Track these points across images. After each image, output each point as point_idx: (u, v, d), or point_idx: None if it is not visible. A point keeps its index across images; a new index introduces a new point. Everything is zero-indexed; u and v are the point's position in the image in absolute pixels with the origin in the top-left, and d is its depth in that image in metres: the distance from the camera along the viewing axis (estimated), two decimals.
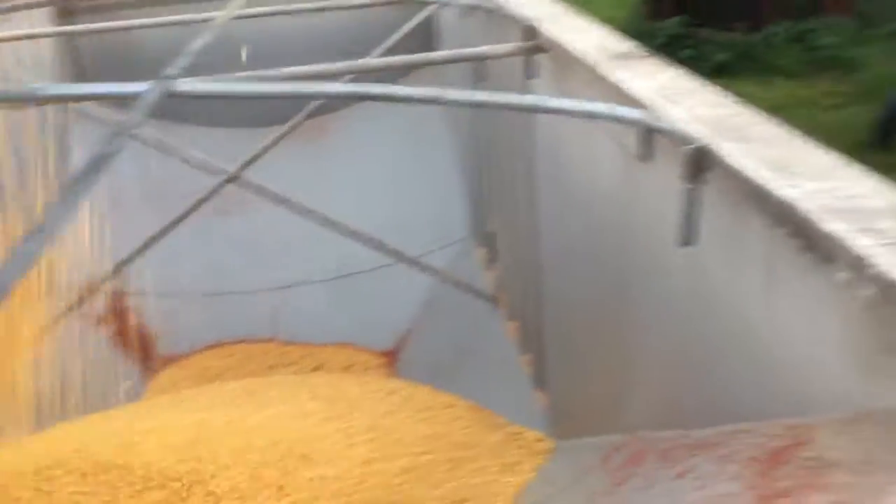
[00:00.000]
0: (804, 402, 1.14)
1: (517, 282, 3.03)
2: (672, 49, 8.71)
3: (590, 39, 2.10)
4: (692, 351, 1.43)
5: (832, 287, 1.01)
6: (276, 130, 3.33)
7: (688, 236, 1.33)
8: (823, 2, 9.30)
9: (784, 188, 1.12)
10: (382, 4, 3.32)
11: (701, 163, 1.29)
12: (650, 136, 1.48)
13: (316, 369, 3.37)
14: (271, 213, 3.31)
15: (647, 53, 1.94)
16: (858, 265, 0.94)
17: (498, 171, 3.24)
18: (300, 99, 3.10)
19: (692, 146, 1.30)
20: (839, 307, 1.00)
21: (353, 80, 2.70)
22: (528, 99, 1.99)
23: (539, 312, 2.69)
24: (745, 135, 1.34)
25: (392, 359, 3.57)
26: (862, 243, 0.96)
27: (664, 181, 1.40)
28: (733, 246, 1.25)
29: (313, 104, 3.38)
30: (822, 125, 7.39)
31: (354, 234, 3.17)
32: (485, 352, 3.30)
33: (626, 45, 2.02)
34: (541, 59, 2.25)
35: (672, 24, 9.15)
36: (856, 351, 1.01)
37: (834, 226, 1.01)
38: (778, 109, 7.65)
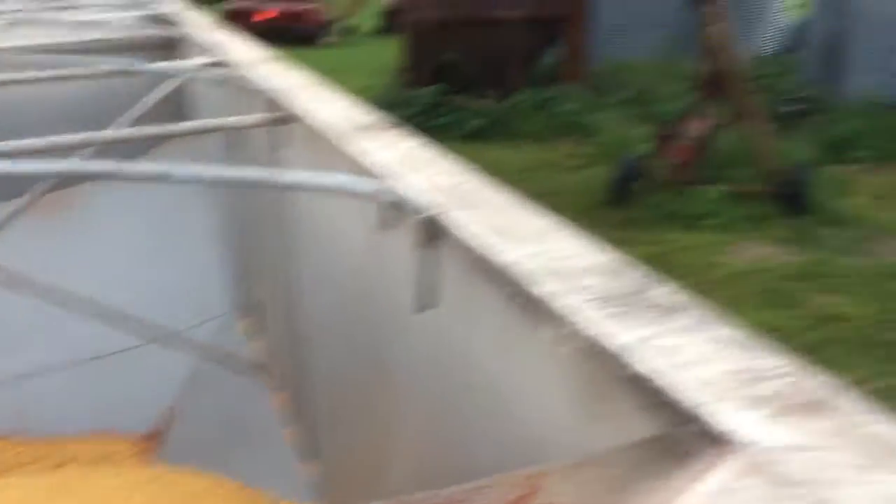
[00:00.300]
0: (542, 453, 1.21)
1: (284, 353, 2.99)
2: (429, 116, 9.15)
3: (335, 111, 2.15)
4: (439, 413, 1.48)
5: (551, 343, 1.09)
6: (13, 205, 3.08)
7: (424, 302, 1.38)
8: (561, 72, 10.20)
9: (504, 252, 1.20)
10: (123, 75, 3.20)
11: (433, 231, 1.36)
12: (389, 207, 1.53)
13: (63, 465, 3.09)
14: (8, 296, 3.04)
15: (390, 124, 2.02)
16: (567, 322, 1.03)
17: (259, 242, 3.20)
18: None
19: (425, 215, 1.37)
20: (558, 361, 1.09)
21: (97, 153, 2.57)
22: (268, 173, 2.00)
23: (307, 383, 2.66)
24: (474, 202, 1.43)
25: (154, 443, 3.36)
26: (569, 301, 1.05)
27: (403, 250, 1.45)
28: (468, 309, 1.32)
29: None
30: (567, 185, 8.04)
31: (105, 314, 2.98)
32: (253, 426, 3.20)
33: (370, 116, 2.09)
34: (288, 130, 2.27)
35: (428, 92, 9.61)
36: (577, 400, 1.09)
37: (546, 287, 1.09)
38: (528, 171, 8.20)
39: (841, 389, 0.83)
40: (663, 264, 6.75)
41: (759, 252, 6.52)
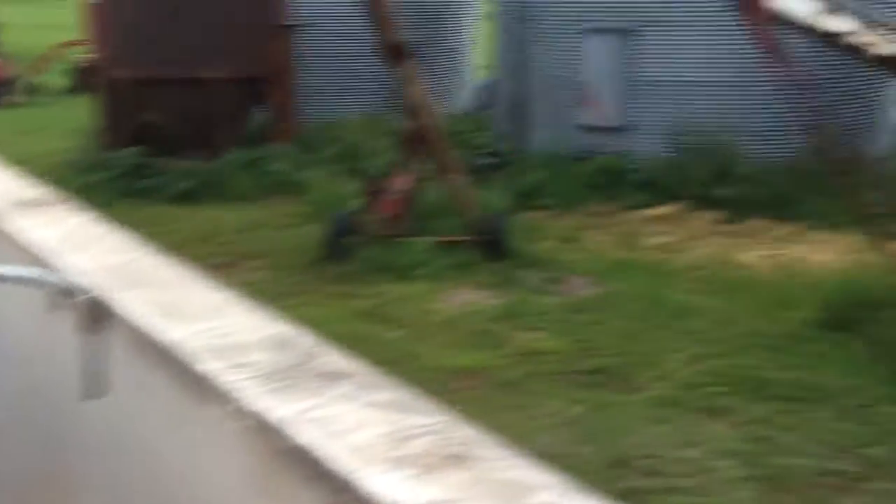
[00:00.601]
0: None
1: None
2: (131, 179, 8.69)
3: None
4: (125, 500, 1.39)
5: (219, 422, 1.07)
6: None
7: (93, 389, 1.30)
8: (270, 131, 10.20)
9: (170, 331, 1.16)
10: None
11: (97, 314, 1.28)
12: (54, 291, 1.43)
13: None
14: None
15: (58, 198, 1.89)
16: (232, 399, 1.02)
17: None
18: None
19: (87, 297, 1.29)
20: (228, 440, 1.07)
21: None
22: None
23: None
24: (143, 280, 1.38)
25: None
26: (234, 378, 1.04)
27: (70, 336, 1.36)
28: (139, 392, 1.26)
29: None
30: (283, 244, 8.01)
31: None
32: None
33: (35, 190, 1.95)
34: None
35: (129, 154, 9.14)
36: (248, 478, 1.08)
37: (211, 365, 1.07)
38: (243, 231, 7.97)
39: (482, 440, 0.90)
40: (381, 315, 6.90)
41: (467, 297, 6.91)
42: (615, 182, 9.03)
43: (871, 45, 5.26)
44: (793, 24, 5.40)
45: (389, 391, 1.02)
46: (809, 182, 7.98)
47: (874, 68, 6.03)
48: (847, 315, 5.72)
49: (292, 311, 6.02)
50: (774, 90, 5.90)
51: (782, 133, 8.45)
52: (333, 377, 1.05)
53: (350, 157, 9.96)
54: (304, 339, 1.17)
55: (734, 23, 5.58)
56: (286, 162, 9.64)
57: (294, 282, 7.11)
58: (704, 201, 8.52)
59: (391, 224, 7.50)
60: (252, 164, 9.57)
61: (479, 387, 5.27)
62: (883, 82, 9.18)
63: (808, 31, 5.43)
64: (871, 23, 5.31)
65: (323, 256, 7.33)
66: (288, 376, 1.04)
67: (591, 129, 9.60)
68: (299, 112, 10.56)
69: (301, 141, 10.24)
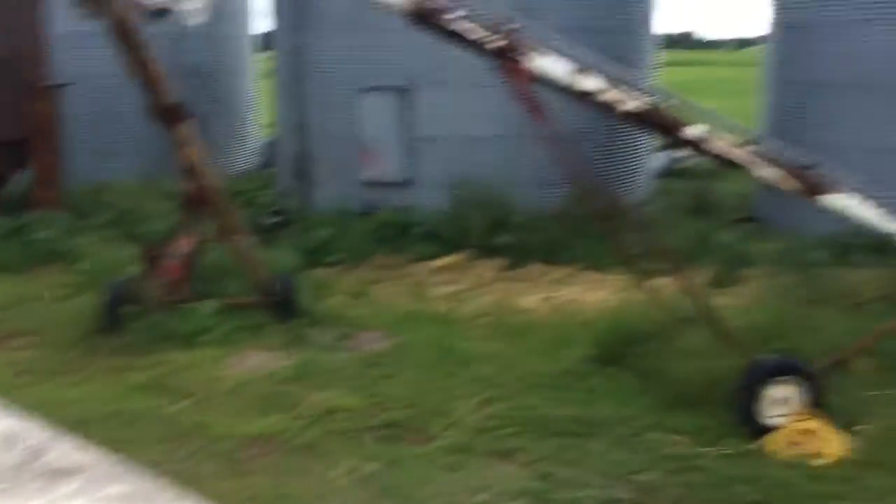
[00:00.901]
0: None
1: None
2: None
3: None
4: None
5: None
6: None
7: None
8: (33, 197, 9.51)
9: None
10: None
11: None
12: None
13: None
14: None
15: None
16: None
17: None
18: None
19: None
20: None
21: None
22: None
23: None
24: None
25: None
26: None
27: None
28: None
29: None
30: (53, 318, 7.42)
31: None
32: None
33: None
34: None
35: None
36: None
37: None
38: (4, 308, 7.30)
39: None
40: (164, 387, 6.51)
41: (257, 360, 6.72)
42: (400, 235, 9.24)
43: (619, 102, 5.76)
44: (551, 83, 5.82)
45: (124, 483, 0.97)
46: (578, 227, 8.59)
47: (624, 123, 6.60)
48: (617, 350, 6.16)
49: (62, 391, 5.61)
50: (541, 144, 6.32)
51: (552, 183, 9.04)
52: (62, 474, 0.99)
53: (124, 221, 9.49)
54: (33, 434, 1.09)
55: (502, 81, 5.94)
56: (54, 229, 9.02)
57: (66, 359, 6.61)
58: (486, 250, 8.91)
59: (173, 289, 7.19)
60: (14, 232, 8.87)
61: (272, 452, 5.13)
62: (638, 135, 10.11)
63: (565, 90, 5.86)
64: (616, 81, 5.83)
65: (98, 328, 6.89)
66: (10, 477, 0.97)
67: (374, 184, 9.79)
68: (66, 176, 9.93)
69: (70, 206, 9.63)
